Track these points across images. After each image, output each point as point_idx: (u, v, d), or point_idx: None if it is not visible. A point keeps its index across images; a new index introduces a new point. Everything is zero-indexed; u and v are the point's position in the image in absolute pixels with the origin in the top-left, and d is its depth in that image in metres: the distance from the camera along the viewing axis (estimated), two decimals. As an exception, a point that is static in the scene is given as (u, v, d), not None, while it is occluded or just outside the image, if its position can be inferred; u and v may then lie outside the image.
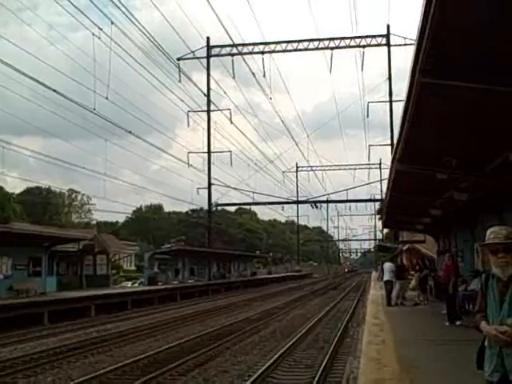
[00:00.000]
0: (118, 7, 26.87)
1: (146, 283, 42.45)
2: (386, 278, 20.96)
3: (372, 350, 9.99)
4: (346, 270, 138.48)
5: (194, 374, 11.96)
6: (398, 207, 20.15)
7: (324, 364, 12.07)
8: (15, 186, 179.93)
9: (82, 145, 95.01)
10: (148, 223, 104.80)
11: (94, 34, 27.52)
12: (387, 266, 21.85)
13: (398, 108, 46.10)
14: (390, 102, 49.55)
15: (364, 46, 48.69)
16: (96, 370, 12.31)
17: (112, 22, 28.56)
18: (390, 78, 50.35)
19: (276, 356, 13.24)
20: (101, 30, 27.46)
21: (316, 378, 10.59)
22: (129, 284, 49.52)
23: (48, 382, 11.55)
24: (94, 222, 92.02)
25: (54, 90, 25.17)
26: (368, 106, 52.83)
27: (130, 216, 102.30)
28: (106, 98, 29.37)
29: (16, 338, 18.68)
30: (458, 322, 13.82)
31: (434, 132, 8.95)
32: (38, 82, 24.24)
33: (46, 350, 15.57)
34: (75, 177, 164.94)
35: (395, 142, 10.44)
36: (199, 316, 25.46)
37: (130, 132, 34.06)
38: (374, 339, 11.35)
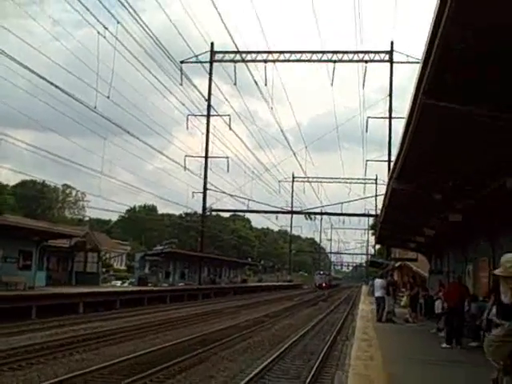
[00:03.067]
0: (125, 7, 27.07)
1: (136, 284, 42.37)
2: (378, 294, 20.96)
3: (360, 365, 10.03)
4: (317, 283, 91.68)
5: (179, 377, 11.96)
6: (392, 224, 20.25)
7: (311, 376, 12.09)
8: (8, 178, 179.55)
9: (77, 141, 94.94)
10: (141, 223, 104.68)
11: (99, 33, 27.62)
12: (379, 282, 21.87)
13: (397, 125, 46.32)
14: (390, 118, 49.63)
15: (367, 61, 48.85)
16: (82, 368, 12.30)
17: (118, 22, 28.69)
18: (390, 95, 50.42)
19: (263, 365, 13.24)
20: (106, 28, 27.59)
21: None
22: (118, 283, 49.50)
23: (33, 377, 11.52)
24: (87, 219, 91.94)
25: (57, 86, 25.29)
26: (367, 120, 52.89)
27: (123, 215, 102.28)
28: (108, 97, 29.45)
29: (3, 331, 18.62)
30: (444, 344, 13.35)
31: (432, 153, 9.05)
32: (37, 75, 24.35)
33: (33, 345, 15.51)
34: (69, 172, 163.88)
35: (393, 158, 10.54)
36: (188, 320, 25.40)
37: (128, 132, 34.24)
38: (362, 354, 11.39)
